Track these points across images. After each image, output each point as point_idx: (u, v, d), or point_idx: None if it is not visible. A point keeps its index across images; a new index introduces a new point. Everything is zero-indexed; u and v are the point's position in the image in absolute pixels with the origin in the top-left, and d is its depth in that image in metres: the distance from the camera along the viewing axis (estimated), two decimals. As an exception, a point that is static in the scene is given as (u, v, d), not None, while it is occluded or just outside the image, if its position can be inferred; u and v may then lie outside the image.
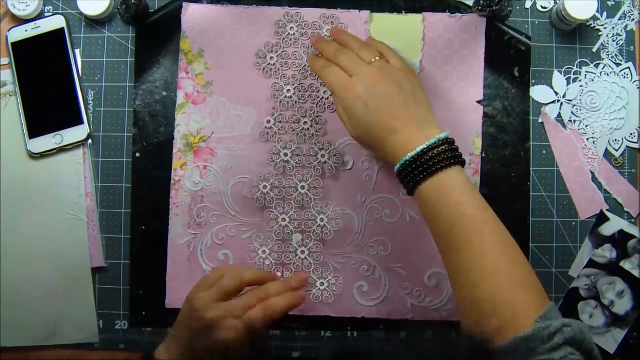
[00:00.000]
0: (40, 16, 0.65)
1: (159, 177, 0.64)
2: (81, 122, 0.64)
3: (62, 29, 0.64)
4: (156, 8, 0.66)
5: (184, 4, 0.65)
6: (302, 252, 0.64)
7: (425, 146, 0.49)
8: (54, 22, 0.64)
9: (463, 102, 0.64)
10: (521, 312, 0.44)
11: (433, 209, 0.49)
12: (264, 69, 0.64)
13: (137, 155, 0.64)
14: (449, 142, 0.50)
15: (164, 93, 0.65)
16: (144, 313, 0.63)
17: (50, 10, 0.66)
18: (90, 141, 0.64)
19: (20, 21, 0.65)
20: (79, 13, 0.65)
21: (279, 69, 0.65)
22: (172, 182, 0.64)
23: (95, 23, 0.65)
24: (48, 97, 0.64)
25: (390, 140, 0.51)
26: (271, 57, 0.65)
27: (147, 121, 0.65)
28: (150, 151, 0.64)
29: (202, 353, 0.54)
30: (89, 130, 0.64)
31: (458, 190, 0.48)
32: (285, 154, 0.64)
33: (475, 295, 0.46)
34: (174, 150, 0.64)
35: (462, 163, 0.50)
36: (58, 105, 0.64)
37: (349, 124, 0.55)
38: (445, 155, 0.49)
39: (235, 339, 0.53)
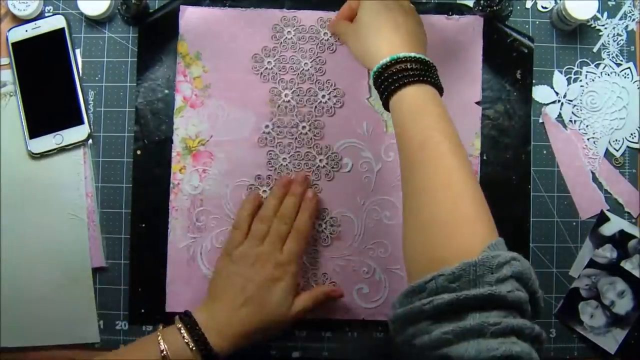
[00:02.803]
0: (40, 16, 0.65)
1: (159, 175, 0.64)
2: (81, 122, 0.64)
3: (63, 29, 0.64)
4: (156, 7, 0.66)
5: (182, 6, 0.65)
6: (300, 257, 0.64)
7: (409, 55, 0.51)
8: (54, 22, 0.64)
9: (461, 103, 0.64)
10: (473, 236, 0.43)
11: (406, 119, 0.49)
12: (261, 73, 0.64)
13: (138, 152, 0.64)
14: (427, 63, 0.51)
15: (166, 91, 0.65)
16: (143, 311, 0.63)
17: (51, 10, 0.65)
18: (90, 141, 0.64)
19: (21, 21, 0.65)
20: (79, 13, 0.65)
21: (276, 73, 0.64)
22: (171, 185, 0.64)
23: (95, 23, 0.65)
24: (48, 97, 0.64)
25: (385, 41, 0.53)
26: (268, 62, 0.64)
27: (149, 119, 0.65)
28: (151, 149, 0.64)
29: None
30: (89, 130, 0.64)
31: (432, 107, 0.49)
32: (284, 158, 0.64)
33: (426, 218, 0.45)
34: (173, 154, 0.64)
35: (440, 88, 0.51)
36: (58, 105, 0.64)
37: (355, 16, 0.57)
38: (422, 71, 0.50)
39: (298, 253, 0.58)
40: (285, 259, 0.57)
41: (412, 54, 0.51)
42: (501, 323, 0.38)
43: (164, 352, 0.51)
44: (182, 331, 0.53)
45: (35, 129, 0.63)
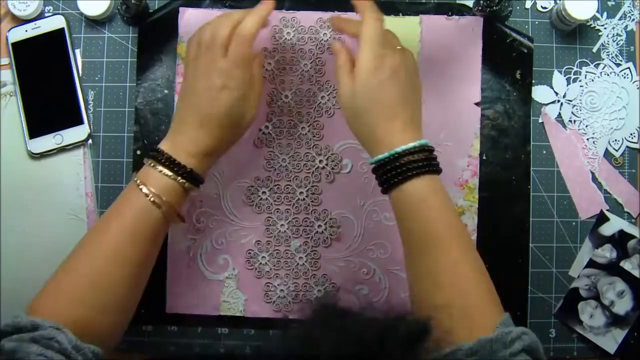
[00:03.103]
0: (40, 16, 0.65)
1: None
2: (81, 122, 0.64)
3: (62, 29, 0.64)
4: (156, 8, 0.66)
5: (181, 8, 0.65)
6: (301, 258, 0.64)
7: (409, 147, 0.49)
8: (54, 22, 0.64)
9: (461, 104, 0.64)
10: (484, 317, 0.46)
11: (408, 212, 0.49)
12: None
13: (138, 152, 0.64)
14: (429, 149, 0.50)
15: (166, 91, 0.65)
16: (142, 311, 0.63)
17: (51, 10, 0.66)
18: (90, 141, 0.64)
19: (21, 21, 0.65)
20: (79, 13, 0.65)
21: (276, 74, 0.64)
22: (171, 186, 0.64)
23: (95, 23, 0.65)
24: (48, 97, 0.64)
25: (381, 127, 0.50)
26: (268, 63, 0.64)
27: (149, 119, 0.65)
28: (151, 149, 0.64)
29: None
30: (89, 130, 0.64)
31: (433, 200, 0.49)
32: (283, 159, 0.64)
33: (434, 302, 0.47)
34: (173, 156, 0.64)
35: (439, 172, 0.51)
36: (58, 105, 0.64)
37: (352, 84, 0.51)
38: (424, 162, 0.49)
39: (242, 57, 0.52)
40: (227, 65, 0.52)
41: (416, 143, 0.49)
42: None
43: (150, 197, 0.50)
44: (157, 167, 0.51)
45: (35, 129, 0.63)
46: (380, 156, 0.50)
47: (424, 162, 0.49)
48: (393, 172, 0.49)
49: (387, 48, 0.51)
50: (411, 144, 0.49)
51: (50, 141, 0.63)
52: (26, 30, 0.64)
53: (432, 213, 0.49)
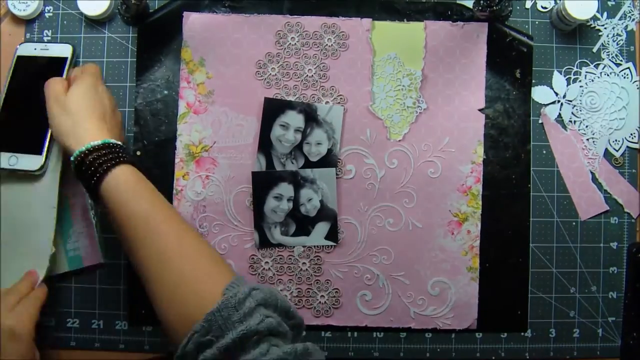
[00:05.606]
0: (40, 16, 0.65)
1: (159, 175, 0.64)
2: (39, 153, 0.60)
3: (65, 59, 0.62)
4: (156, 8, 0.66)
5: (185, 13, 0.65)
6: (304, 263, 0.64)
7: (108, 142, 0.53)
8: (61, 50, 0.62)
9: (464, 110, 0.64)
10: (214, 283, 0.46)
11: (129, 195, 0.51)
12: (265, 79, 0.64)
13: (138, 153, 0.64)
14: (117, 146, 0.53)
15: (165, 92, 0.65)
16: (143, 311, 0.63)
17: (51, 10, 0.65)
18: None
19: (20, 21, 0.65)
20: (79, 13, 0.65)
21: (280, 79, 0.64)
22: (174, 192, 0.64)
23: (95, 23, 0.65)
24: (24, 116, 0.61)
25: (81, 126, 0.54)
26: (272, 68, 0.64)
27: (148, 120, 0.65)
28: (151, 150, 0.64)
29: None
30: (42, 163, 0.59)
31: (146, 182, 0.53)
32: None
33: (166, 281, 0.47)
34: (176, 160, 0.64)
35: (134, 164, 0.53)
36: (29, 128, 0.60)
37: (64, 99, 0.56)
38: (116, 154, 0.52)
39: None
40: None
41: (119, 142, 0.54)
42: None
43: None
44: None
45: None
46: (92, 143, 0.52)
47: (116, 154, 0.52)
48: (104, 157, 0.52)
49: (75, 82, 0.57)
50: (120, 142, 0.54)
51: (5, 159, 0.59)
52: (35, 49, 0.62)
53: (148, 194, 0.52)
